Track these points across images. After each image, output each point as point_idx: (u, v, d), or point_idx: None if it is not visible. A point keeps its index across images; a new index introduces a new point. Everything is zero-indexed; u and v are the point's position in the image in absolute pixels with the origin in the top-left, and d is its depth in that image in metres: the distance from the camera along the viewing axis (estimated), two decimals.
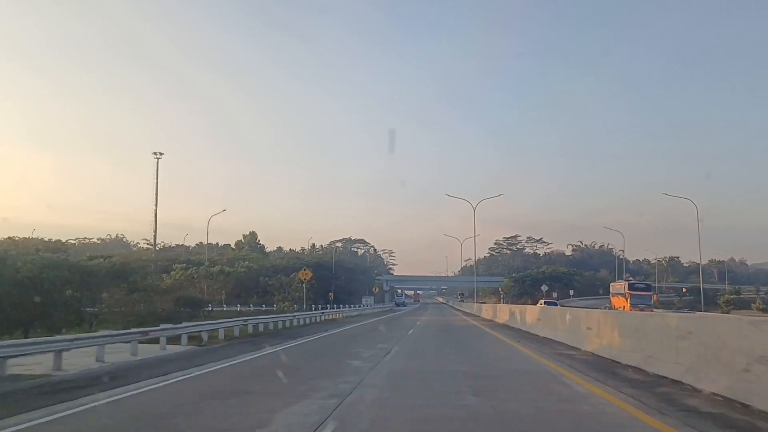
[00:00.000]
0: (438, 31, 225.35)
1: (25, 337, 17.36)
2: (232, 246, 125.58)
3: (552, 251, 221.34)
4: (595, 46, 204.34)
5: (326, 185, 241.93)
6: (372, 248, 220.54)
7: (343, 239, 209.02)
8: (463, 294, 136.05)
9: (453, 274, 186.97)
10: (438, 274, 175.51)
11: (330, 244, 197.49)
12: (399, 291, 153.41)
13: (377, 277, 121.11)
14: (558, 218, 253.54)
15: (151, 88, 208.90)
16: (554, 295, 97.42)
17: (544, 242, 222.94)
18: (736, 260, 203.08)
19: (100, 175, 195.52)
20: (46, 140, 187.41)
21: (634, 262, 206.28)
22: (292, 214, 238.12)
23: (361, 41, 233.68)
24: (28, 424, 7.48)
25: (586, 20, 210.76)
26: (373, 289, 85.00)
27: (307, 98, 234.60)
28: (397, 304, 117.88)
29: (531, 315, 27.90)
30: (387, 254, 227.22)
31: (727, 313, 68.20)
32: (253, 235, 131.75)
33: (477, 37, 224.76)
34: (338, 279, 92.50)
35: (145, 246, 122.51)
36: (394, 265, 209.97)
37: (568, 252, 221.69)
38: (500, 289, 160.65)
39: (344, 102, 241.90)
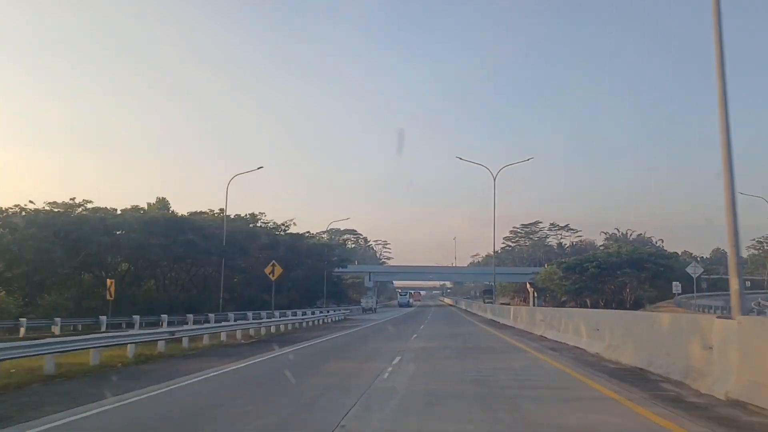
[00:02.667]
0: (444, 31, 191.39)
1: None
2: None
3: (581, 240, 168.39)
4: (604, 46, 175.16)
5: (329, 185, 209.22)
6: (363, 239, 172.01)
7: (329, 230, 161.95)
8: (489, 292, 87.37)
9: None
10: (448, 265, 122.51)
11: (318, 234, 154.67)
12: (400, 290, 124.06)
13: (341, 267, 69.29)
14: (564, 218, 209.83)
15: (154, 89, 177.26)
16: (677, 289, 46.31)
17: (572, 229, 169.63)
18: None
19: (98, 175, 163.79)
20: (42, 140, 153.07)
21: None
22: (294, 214, 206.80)
23: (367, 42, 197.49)
24: None
25: (595, 20, 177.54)
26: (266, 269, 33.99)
27: (309, 99, 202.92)
28: (401, 305, 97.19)
29: None
30: (381, 245, 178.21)
31: None
32: (162, 201, 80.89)
33: (484, 38, 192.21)
34: (239, 260, 41.23)
35: None
36: (389, 259, 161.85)
37: (600, 241, 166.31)
38: (528, 285, 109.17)
39: (347, 103, 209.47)
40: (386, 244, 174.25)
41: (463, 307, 79.03)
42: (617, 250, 70.56)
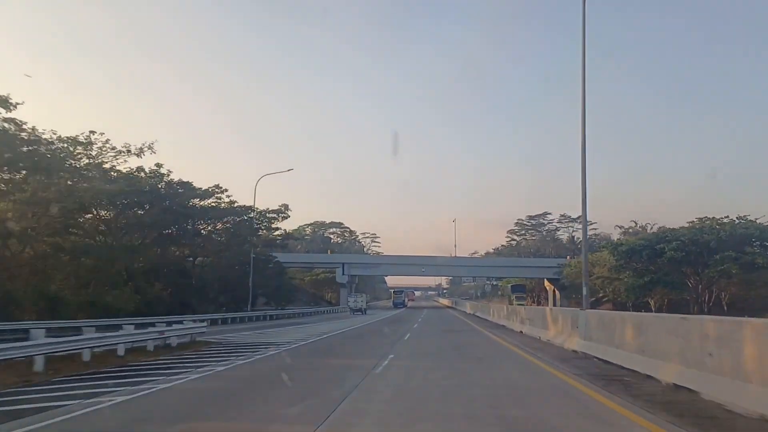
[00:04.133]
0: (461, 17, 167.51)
1: None
2: None
3: (597, 234, 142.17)
4: (614, 39, 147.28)
5: (329, 184, 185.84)
6: (348, 231, 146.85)
7: (313, 222, 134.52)
8: (519, 289, 63.14)
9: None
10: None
11: (299, 228, 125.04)
12: (394, 289, 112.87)
13: (279, 246, 42.38)
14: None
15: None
16: None
17: (586, 221, 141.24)
18: None
19: None
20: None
21: None
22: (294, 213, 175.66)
23: (376, 28, 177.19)
24: None
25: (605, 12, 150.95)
26: None
27: (307, 95, 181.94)
28: (396, 305, 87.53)
29: None
30: (369, 239, 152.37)
31: None
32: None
33: (501, 22, 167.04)
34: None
35: None
36: (377, 255, 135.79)
37: (616, 235, 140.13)
38: (546, 283, 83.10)
39: (352, 93, 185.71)
40: (375, 238, 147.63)
41: (469, 311, 52.46)
42: (708, 223, 44.13)
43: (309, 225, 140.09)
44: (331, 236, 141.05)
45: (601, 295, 66.94)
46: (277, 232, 42.35)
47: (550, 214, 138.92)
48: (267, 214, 39.82)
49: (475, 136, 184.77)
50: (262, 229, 40.41)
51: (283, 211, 39.62)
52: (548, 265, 77.58)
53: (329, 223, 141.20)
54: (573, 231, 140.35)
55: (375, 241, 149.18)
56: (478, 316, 40.29)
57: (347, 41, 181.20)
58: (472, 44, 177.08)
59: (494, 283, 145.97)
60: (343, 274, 69.83)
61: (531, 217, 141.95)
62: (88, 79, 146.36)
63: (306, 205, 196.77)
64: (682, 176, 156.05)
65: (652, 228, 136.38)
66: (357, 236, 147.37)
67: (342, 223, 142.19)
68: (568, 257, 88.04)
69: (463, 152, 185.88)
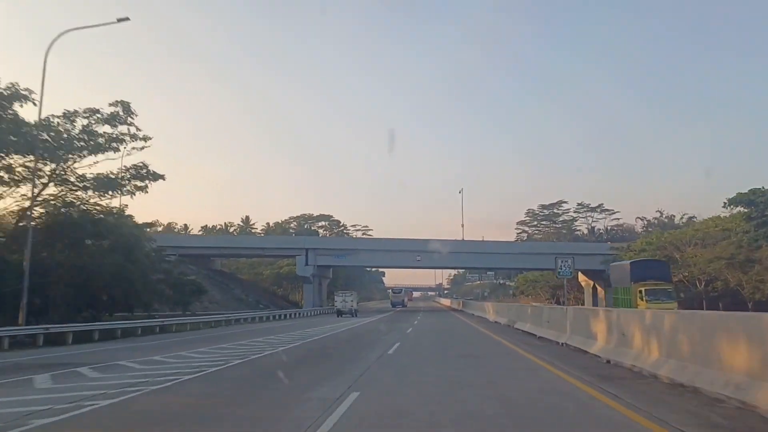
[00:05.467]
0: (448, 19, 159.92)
1: None
2: None
3: (619, 225, 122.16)
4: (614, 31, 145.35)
5: (325, 182, 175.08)
6: (337, 223, 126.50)
7: (300, 215, 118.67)
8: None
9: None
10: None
11: (285, 221, 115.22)
12: (392, 289, 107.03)
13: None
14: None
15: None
16: None
17: (606, 210, 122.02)
18: None
19: None
20: None
21: None
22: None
23: (364, 31, 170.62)
24: None
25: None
26: None
27: (302, 92, 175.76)
28: (394, 305, 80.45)
29: None
30: (361, 231, 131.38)
31: None
32: None
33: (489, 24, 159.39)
34: None
35: None
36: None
37: (639, 227, 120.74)
38: (581, 276, 60.90)
39: (341, 98, 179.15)
40: (368, 230, 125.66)
41: (492, 318, 30.39)
42: None
43: (295, 218, 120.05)
44: (320, 230, 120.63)
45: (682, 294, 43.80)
46: (105, 156, 19.09)
47: (565, 203, 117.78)
48: (89, 123, 17.51)
49: (475, 135, 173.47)
50: (81, 154, 18.13)
51: (120, 117, 17.60)
52: (590, 252, 55.36)
53: (317, 215, 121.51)
54: (593, 221, 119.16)
55: (367, 234, 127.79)
56: (535, 336, 18.09)
57: (342, 37, 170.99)
58: (466, 43, 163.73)
59: (502, 281, 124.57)
60: (306, 264, 47.90)
61: (544, 207, 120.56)
62: None
63: (295, 201, 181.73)
64: (686, 172, 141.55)
65: (681, 218, 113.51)
66: (346, 228, 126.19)
67: (331, 216, 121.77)
68: (609, 243, 65.95)
69: (462, 151, 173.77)
